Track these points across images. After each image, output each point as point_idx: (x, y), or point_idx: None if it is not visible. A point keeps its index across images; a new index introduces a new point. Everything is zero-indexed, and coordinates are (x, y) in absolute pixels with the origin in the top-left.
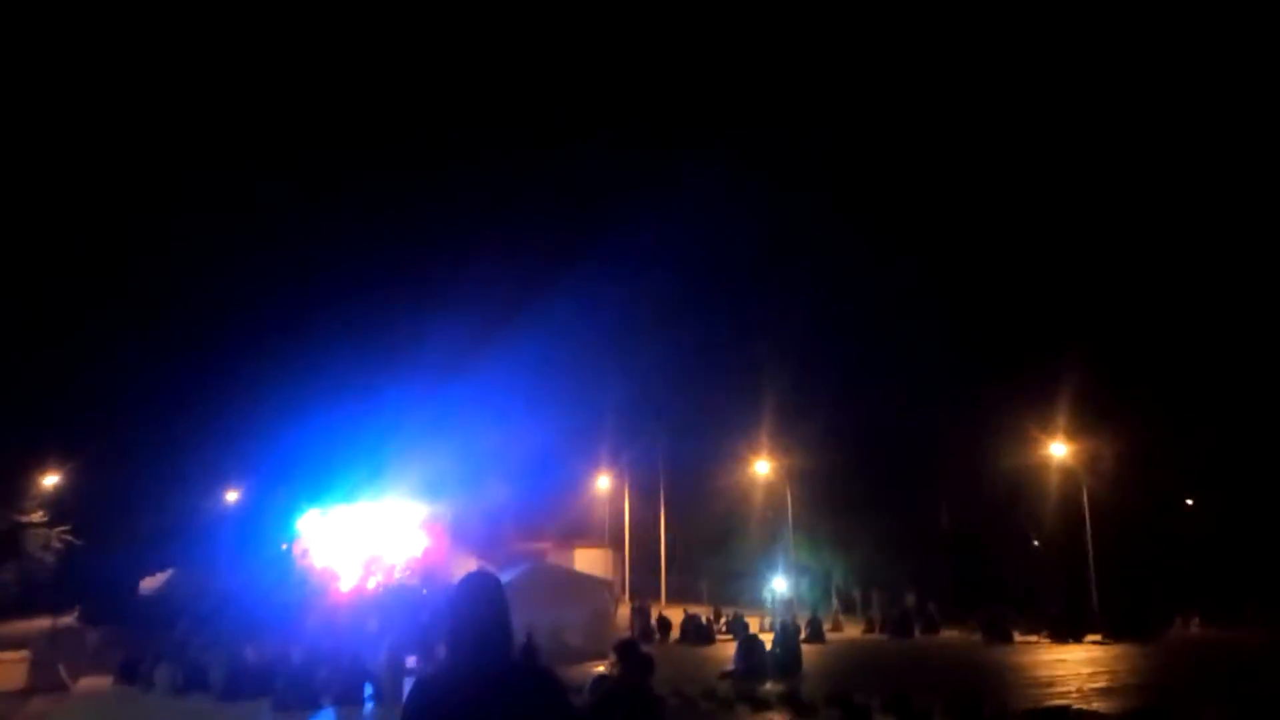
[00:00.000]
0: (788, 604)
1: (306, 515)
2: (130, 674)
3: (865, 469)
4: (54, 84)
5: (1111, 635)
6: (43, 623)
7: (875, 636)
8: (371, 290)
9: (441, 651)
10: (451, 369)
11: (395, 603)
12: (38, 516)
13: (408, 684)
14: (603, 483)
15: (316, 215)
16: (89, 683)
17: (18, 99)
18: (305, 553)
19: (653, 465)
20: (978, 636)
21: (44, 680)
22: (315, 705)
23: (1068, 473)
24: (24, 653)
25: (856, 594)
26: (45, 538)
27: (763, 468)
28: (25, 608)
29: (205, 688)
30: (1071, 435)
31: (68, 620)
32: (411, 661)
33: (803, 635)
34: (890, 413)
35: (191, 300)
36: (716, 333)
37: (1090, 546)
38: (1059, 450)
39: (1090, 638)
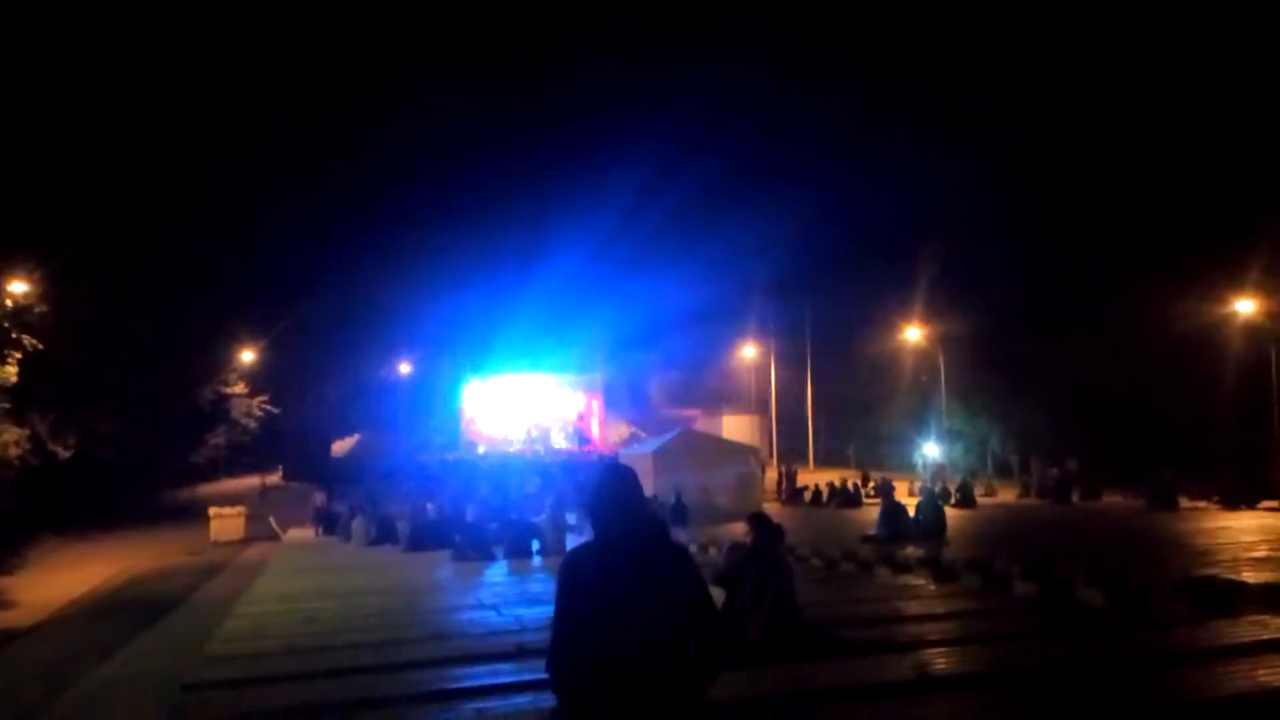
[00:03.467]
0: (939, 469)
1: (470, 384)
2: (330, 526)
3: (1026, 330)
4: None
5: None
6: (252, 481)
7: (1031, 502)
8: (526, 171)
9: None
10: (603, 242)
11: (555, 464)
12: (240, 388)
13: (570, 538)
14: (749, 351)
15: (476, 100)
16: (295, 533)
17: None
18: (471, 420)
19: (800, 331)
20: (1141, 503)
21: (258, 530)
22: (490, 556)
23: (1252, 331)
24: (240, 507)
25: (1014, 459)
26: (247, 406)
27: (914, 333)
28: (234, 469)
29: (394, 540)
30: (1262, 290)
31: (273, 478)
32: (572, 519)
33: (953, 500)
34: (1054, 269)
35: (363, 188)
36: (864, 194)
37: (1276, 408)
38: (1245, 307)
39: (1266, 504)
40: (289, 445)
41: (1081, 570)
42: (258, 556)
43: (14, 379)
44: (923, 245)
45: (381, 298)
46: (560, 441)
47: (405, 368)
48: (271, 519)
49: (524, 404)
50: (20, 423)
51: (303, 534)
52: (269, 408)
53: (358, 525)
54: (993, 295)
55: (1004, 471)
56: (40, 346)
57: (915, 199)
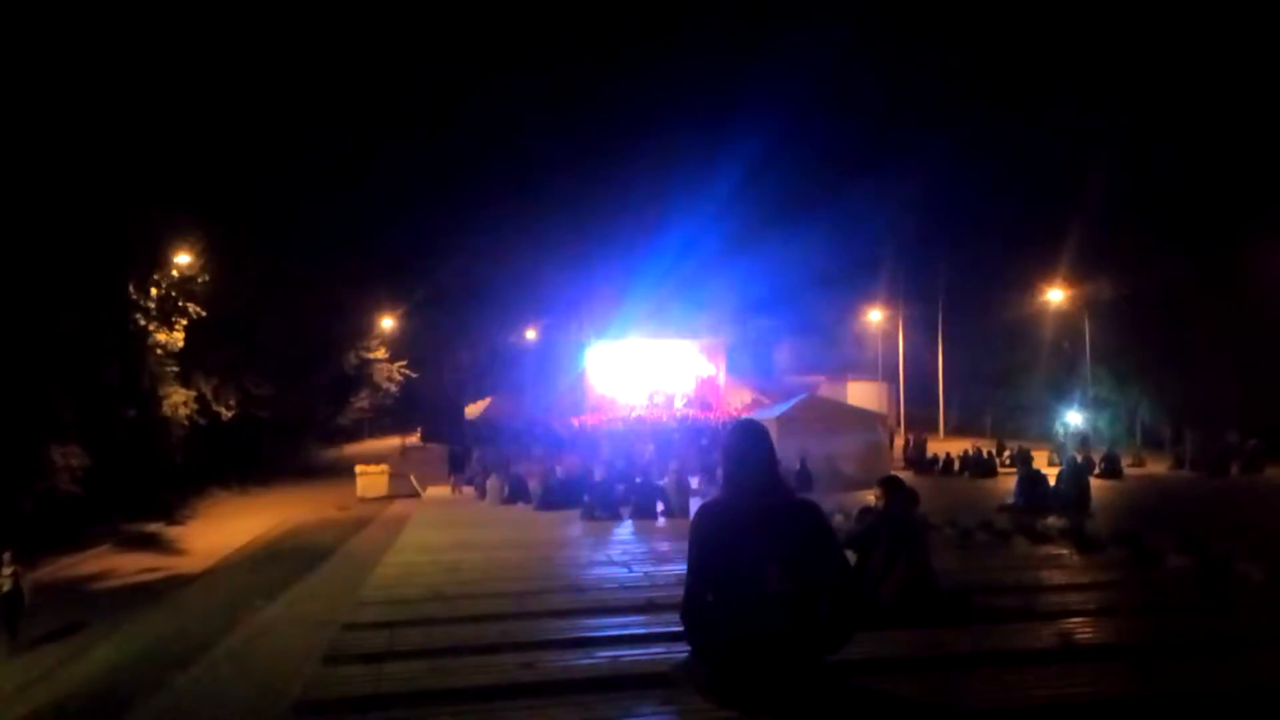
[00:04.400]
0: (1082, 439)
1: (594, 348)
2: (466, 484)
3: (1182, 293)
4: None
5: None
6: (393, 441)
7: (1184, 475)
8: (652, 135)
9: (720, 475)
10: (729, 206)
11: (678, 429)
12: (381, 353)
13: (692, 501)
14: (877, 315)
15: (601, 66)
16: (434, 491)
17: None
18: (594, 383)
19: (932, 295)
20: None
21: (400, 488)
22: (616, 516)
23: None
24: (384, 466)
25: (1166, 430)
26: (388, 371)
27: (1056, 295)
28: (377, 429)
29: (526, 498)
30: None
31: (413, 439)
32: (695, 482)
33: (1097, 471)
34: (1213, 226)
35: (496, 161)
36: (1001, 149)
37: None
38: None
39: None
40: (427, 408)
41: (1241, 544)
42: (400, 511)
43: (181, 344)
44: (1066, 203)
45: (512, 266)
46: (683, 406)
47: (533, 333)
48: (412, 477)
49: (647, 368)
50: (187, 385)
51: (441, 491)
52: (408, 372)
53: (492, 484)
54: (1147, 255)
55: (1154, 443)
56: (204, 314)
57: (1058, 153)
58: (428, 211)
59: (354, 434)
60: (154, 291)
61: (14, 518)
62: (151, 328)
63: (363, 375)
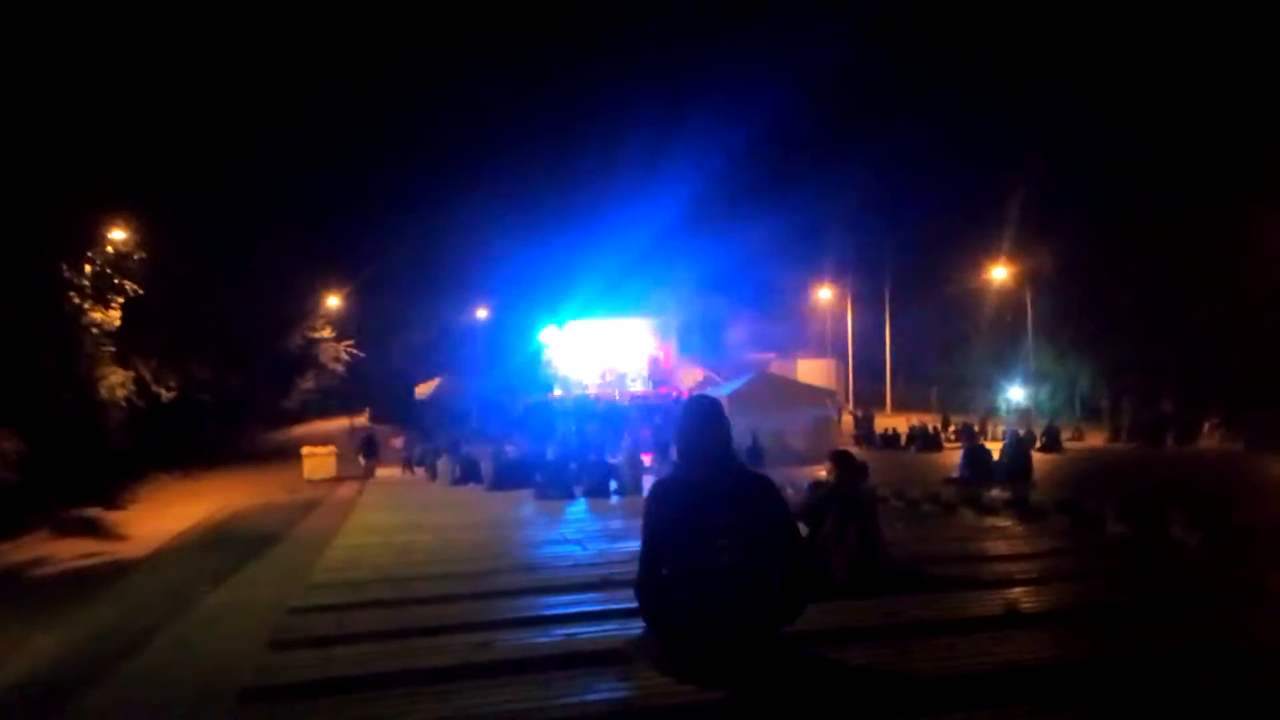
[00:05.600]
0: (1024, 413)
1: (546, 330)
2: (416, 465)
3: (1120, 266)
4: None
5: None
6: (341, 423)
7: (1121, 446)
8: (602, 114)
9: (674, 454)
10: (678, 187)
11: (630, 407)
12: (327, 333)
13: (645, 479)
14: (825, 293)
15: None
16: (384, 472)
17: None
18: (548, 362)
19: (878, 273)
20: (1240, 446)
21: (348, 470)
22: (569, 495)
23: None
24: (331, 447)
25: (1105, 402)
26: (335, 350)
27: (1000, 272)
28: (324, 410)
29: (477, 479)
30: None
31: (361, 420)
32: (647, 460)
33: (1038, 444)
34: (1146, 201)
35: (441, 137)
36: (944, 126)
37: None
38: None
39: None
40: (376, 388)
41: (1176, 511)
42: (350, 494)
43: (117, 323)
44: (1006, 180)
45: (461, 245)
46: (635, 385)
47: (483, 312)
48: (360, 458)
49: (599, 348)
50: (125, 367)
51: (390, 472)
52: (355, 352)
53: (442, 465)
54: (1083, 231)
55: (1093, 415)
56: (140, 292)
57: (999, 131)
58: (375, 189)
59: (300, 416)
60: (88, 269)
61: None
62: (87, 306)
63: (309, 356)
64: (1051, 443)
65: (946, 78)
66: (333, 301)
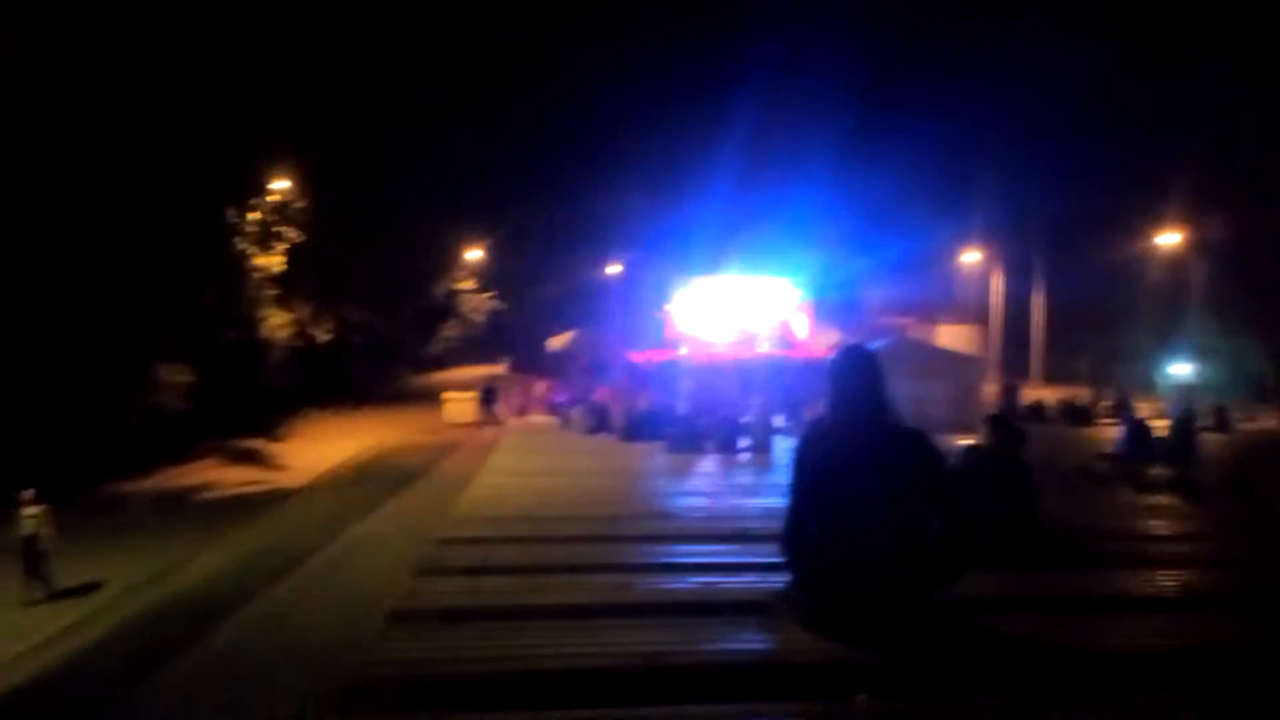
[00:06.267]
0: (1187, 390)
1: (680, 284)
2: (551, 413)
3: None
4: None
5: None
6: (481, 370)
7: None
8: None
9: (808, 413)
10: (819, 142)
11: (762, 366)
12: (469, 284)
13: (774, 439)
14: (971, 257)
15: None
16: (519, 420)
17: None
18: (680, 319)
19: (1028, 237)
20: None
21: (488, 416)
22: (699, 449)
23: None
24: (471, 393)
25: (1272, 381)
26: (476, 302)
27: (1167, 238)
28: (466, 357)
29: (609, 429)
30: None
31: (499, 369)
32: (778, 421)
33: (1207, 424)
34: None
35: (580, 98)
36: (1107, 85)
37: None
38: None
39: None
40: (514, 338)
41: None
42: (488, 437)
43: (279, 267)
44: (1176, 144)
45: (599, 200)
46: (767, 345)
47: (618, 268)
48: (498, 405)
49: (732, 305)
50: (286, 309)
51: (525, 419)
52: (495, 303)
53: (576, 414)
54: (1260, 202)
55: (1262, 397)
56: (303, 238)
57: (1171, 90)
58: (517, 144)
59: (443, 362)
60: (252, 216)
61: (123, 431)
62: (251, 252)
63: (452, 305)
64: (1221, 423)
65: (1114, 29)
66: (475, 254)
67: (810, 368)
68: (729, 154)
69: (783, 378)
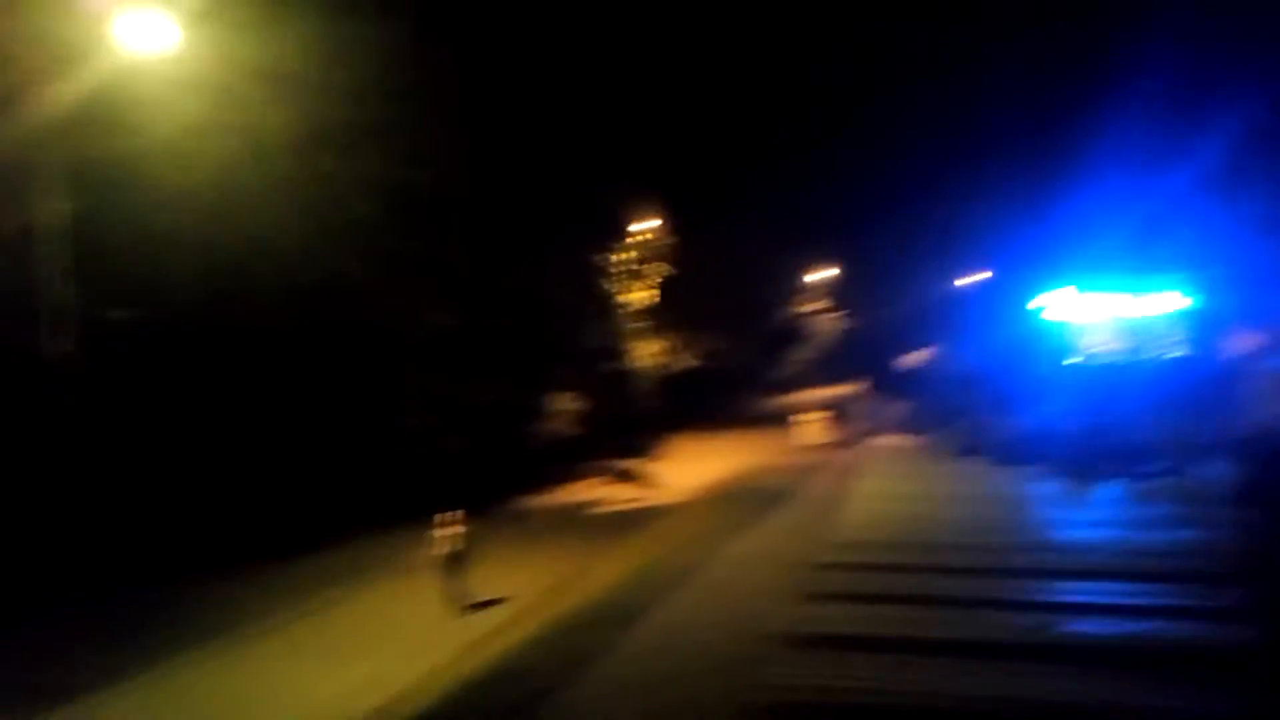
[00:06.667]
0: None
1: (1055, 293)
2: (915, 434)
3: None
4: None
5: None
6: (830, 391)
7: None
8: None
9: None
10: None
11: (1168, 376)
12: (818, 305)
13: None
14: None
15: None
16: (879, 440)
17: None
18: (1061, 328)
19: None
20: None
21: (839, 437)
22: (1096, 473)
23: None
24: (823, 413)
25: None
26: (823, 322)
27: None
28: (815, 380)
29: (984, 450)
30: None
31: (852, 389)
32: (1194, 438)
33: None
34: None
35: (934, 116)
36: None
37: None
38: None
39: None
40: (864, 357)
41: None
42: (848, 459)
43: (650, 301)
44: None
45: (956, 210)
46: (1171, 350)
47: (978, 279)
48: (856, 424)
49: (1117, 312)
50: (652, 339)
51: (885, 441)
52: (843, 323)
53: (946, 434)
54: None
55: None
56: (674, 273)
57: None
58: (857, 174)
59: (791, 384)
60: (623, 256)
61: (525, 454)
62: (620, 289)
63: (799, 327)
64: None
65: None
66: (821, 274)
67: (1231, 375)
68: (1104, 149)
69: (1201, 389)
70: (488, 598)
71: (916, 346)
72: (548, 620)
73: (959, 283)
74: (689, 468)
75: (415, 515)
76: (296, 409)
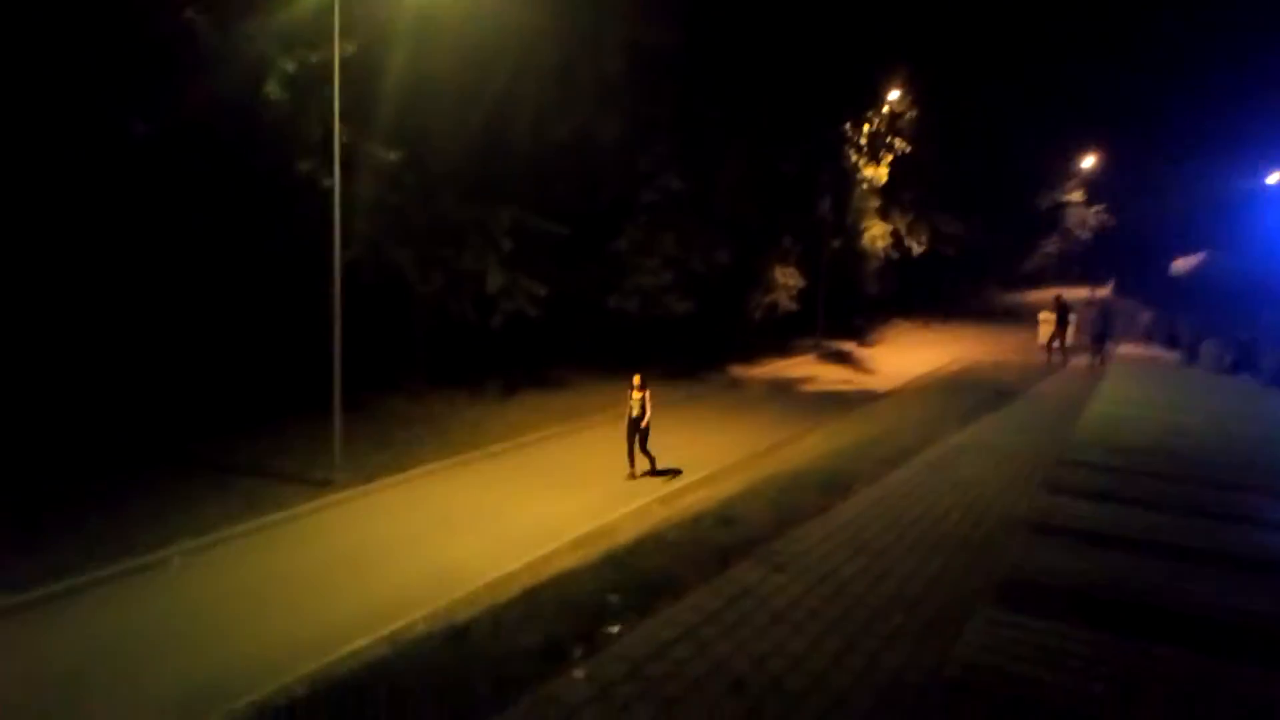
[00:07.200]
0: None
1: None
2: (1171, 345)
3: None
4: None
5: None
6: (1079, 292)
7: None
8: None
9: None
10: None
11: None
12: (1076, 196)
13: None
14: None
15: None
16: (1127, 348)
17: None
18: None
19: None
20: None
21: (1092, 339)
22: None
23: None
24: (1075, 314)
25: None
26: (1083, 215)
27: None
28: (1064, 276)
29: (1254, 369)
30: None
31: (1102, 291)
32: None
33: None
34: None
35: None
36: None
37: None
38: None
39: None
40: (1123, 258)
41: None
42: (1085, 364)
43: (885, 179)
44: None
45: (1248, 98)
46: None
47: (1275, 178)
48: (1101, 330)
49: None
50: (885, 219)
51: (1135, 349)
52: (1105, 217)
53: (1207, 349)
54: None
55: None
56: (909, 149)
57: None
58: (1142, 43)
59: (1038, 279)
60: (865, 128)
61: (745, 325)
62: (860, 163)
63: (1054, 218)
64: None
65: None
66: (1086, 163)
67: None
68: None
69: None
70: (665, 469)
71: (1188, 250)
72: (762, 479)
73: (1255, 180)
74: (909, 355)
75: (635, 369)
76: (538, 264)
